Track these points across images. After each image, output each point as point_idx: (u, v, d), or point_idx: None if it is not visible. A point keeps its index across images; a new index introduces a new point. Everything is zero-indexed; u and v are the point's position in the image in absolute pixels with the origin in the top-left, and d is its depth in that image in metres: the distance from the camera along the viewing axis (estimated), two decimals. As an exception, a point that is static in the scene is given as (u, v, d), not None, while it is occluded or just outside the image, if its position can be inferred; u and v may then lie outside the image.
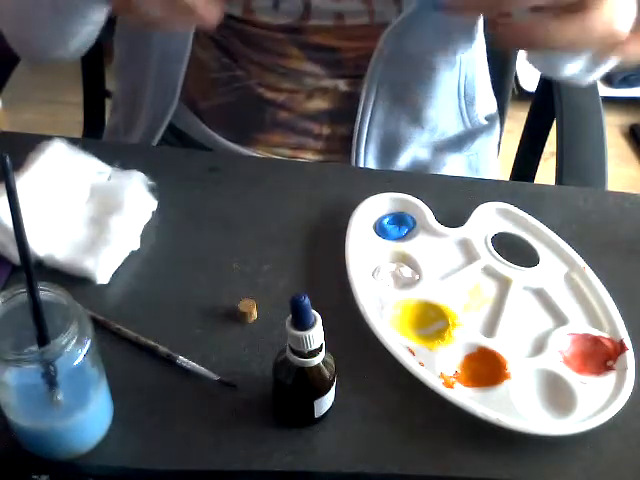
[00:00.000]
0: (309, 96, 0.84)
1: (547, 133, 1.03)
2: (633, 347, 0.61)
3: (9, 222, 0.45)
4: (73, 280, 0.64)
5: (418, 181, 0.77)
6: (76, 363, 0.49)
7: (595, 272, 0.67)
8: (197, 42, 0.82)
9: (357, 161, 0.86)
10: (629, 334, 0.62)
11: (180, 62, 0.82)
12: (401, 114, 0.84)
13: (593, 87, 0.93)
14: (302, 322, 0.50)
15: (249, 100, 0.85)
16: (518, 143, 1.10)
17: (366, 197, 0.72)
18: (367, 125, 0.84)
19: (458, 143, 0.90)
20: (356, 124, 0.84)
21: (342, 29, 0.79)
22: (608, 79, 2.05)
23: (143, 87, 0.86)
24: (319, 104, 0.85)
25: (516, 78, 1.90)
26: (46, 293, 0.49)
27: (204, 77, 0.86)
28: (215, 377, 0.58)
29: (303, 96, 0.84)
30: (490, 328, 0.62)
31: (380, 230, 0.70)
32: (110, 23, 0.74)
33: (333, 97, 0.84)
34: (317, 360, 0.52)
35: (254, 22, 0.80)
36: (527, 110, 1.08)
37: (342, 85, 0.84)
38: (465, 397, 0.57)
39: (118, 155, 0.72)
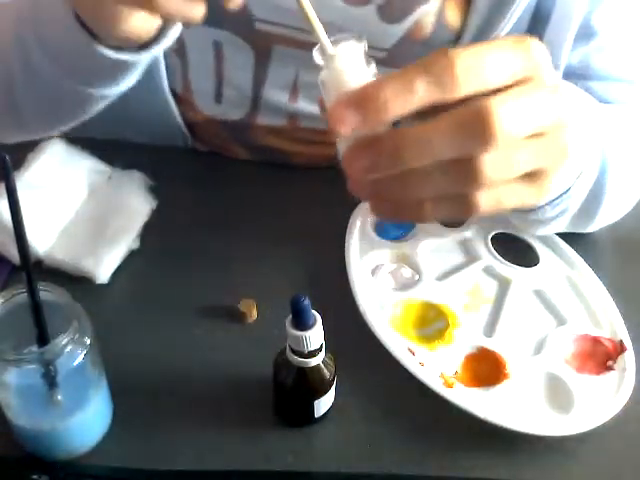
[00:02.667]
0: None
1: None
2: (633, 347, 0.61)
3: (9, 222, 0.45)
4: (73, 280, 0.64)
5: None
6: (76, 363, 0.49)
7: (595, 272, 0.67)
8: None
9: None
10: (629, 334, 0.62)
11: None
12: None
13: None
14: (302, 322, 0.50)
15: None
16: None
17: (366, 197, 0.72)
18: None
19: None
20: None
21: (295, 131, 0.76)
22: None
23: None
24: None
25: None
26: (46, 293, 0.49)
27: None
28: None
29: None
30: (490, 328, 0.62)
31: (380, 230, 0.70)
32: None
33: None
34: (317, 360, 0.52)
35: (193, 107, 0.76)
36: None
37: None
38: (465, 397, 0.57)
39: (118, 155, 0.72)
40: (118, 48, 0.53)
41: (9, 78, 0.60)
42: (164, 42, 0.54)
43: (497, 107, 0.36)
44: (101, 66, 0.55)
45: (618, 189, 0.63)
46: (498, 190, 0.40)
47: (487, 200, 0.40)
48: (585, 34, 0.67)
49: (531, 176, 0.40)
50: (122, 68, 0.56)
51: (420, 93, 0.36)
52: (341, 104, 0.37)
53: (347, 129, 0.37)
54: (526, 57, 0.38)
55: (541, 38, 0.67)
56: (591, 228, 0.68)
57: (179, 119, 0.76)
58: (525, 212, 0.60)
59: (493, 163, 0.38)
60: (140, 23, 0.49)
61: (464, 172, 0.38)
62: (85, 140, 0.74)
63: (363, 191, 0.41)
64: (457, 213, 0.41)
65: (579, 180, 0.55)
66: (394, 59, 0.67)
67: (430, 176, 0.38)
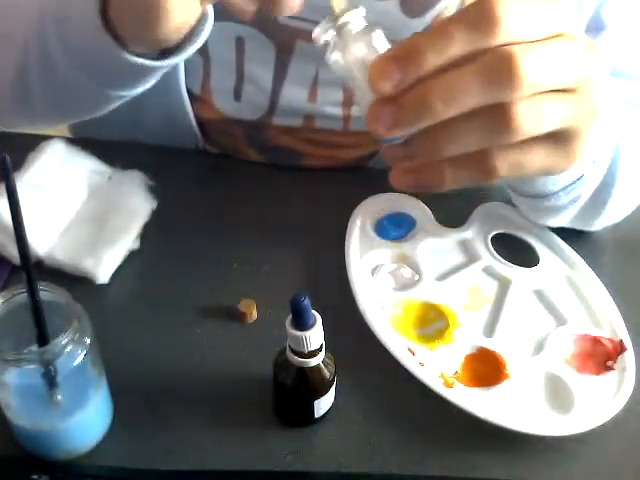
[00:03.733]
0: None
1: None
2: (633, 347, 0.61)
3: (9, 222, 0.45)
4: (73, 280, 0.63)
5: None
6: (76, 363, 0.49)
7: (595, 272, 0.67)
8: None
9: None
10: (629, 334, 0.62)
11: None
12: None
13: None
14: (302, 322, 0.50)
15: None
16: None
17: (366, 197, 0.72)
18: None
19: None
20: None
21: (309, 132, 0.76)
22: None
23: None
24: None
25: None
26: (46, 293, 0.49)
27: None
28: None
29: None
30: (490, 328, 0.62)
31: (380, 230, 0.70)
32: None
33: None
34: (317, 360, 0.52)
35: (210, 106, 0.76)
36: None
37: None
38: (465, 397, 0.57)
39: (118, 155, 0.72)
40: (140, 54, 0.52)
41: (25, 64, 0.59)
42: (190, 49, 0.53)
43: (522, 53, 0.36)
44: (123, 70, 0.54)
45: (627, 182, 0.63)
46: (524, 150, 0.39)
47: (512, 160, 0.39)
48: (594, 27, 0.67)
49: (560, 138, 0.40)
50: (145, 74, 0.55)
51: (459, 40, 0.36)
52: (382, 60, 0.37)
53: (388, 86, 0.37)
54: (561, 12, 0.38)
55: None
56: (596, 224, 0.69)
57: (193, 120, 0.76)
58: (538, 198, 0.60)
59: (522, 112, 0.37)
60: (180, 22, 0.48)
61: (492, 122, 0.37)
62: (85, 140, 0.74)
63: (387, 154, 0.41)
64: (478, 177, 0.40)
65: (593, 166, 0.55)
66: None
67: (456, 130, 0.38)
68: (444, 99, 0.37)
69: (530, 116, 0.37)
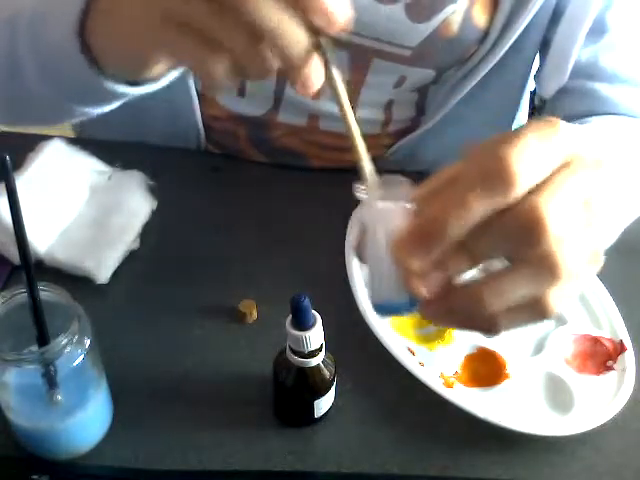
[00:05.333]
0: None
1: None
2: (633, 347, 0.61)
3: (9, 222, 0.45)
4: (73, 280, 0.63)
5: (417, 181, 0.77)
6: (76, 363, 0.49)
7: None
8: None
9: None
10: (629, 334, 0.62)
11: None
12: None
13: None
14: (302, 322, 0.50)
15: None
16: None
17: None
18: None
19: None
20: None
21: (313, 133, 0.76)
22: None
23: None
24: None
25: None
26: (46, 293, 0.49)
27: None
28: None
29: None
30: (490, 328, 0.62)
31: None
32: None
33: None
34: (317, 360, 0.52)
35: (215, 104, 0.75)
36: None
37: None
38: (465, 397, 0.57)
39: (118, 155, 0.72)
40: (115, 76, 0.51)
41: None
42: (162, 82, 0.53)
43: (545, 206, 0.35)
44: (95, 92, 0.53)
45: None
46: (570, 284, 0.39)
47: (561, 297, 0.38)
48: (597, 30, 0.67)
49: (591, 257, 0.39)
50: (119, 97, 0.54)
51: (478, 208, 0.35)
52: (404, 242, 0.37)
53: (416, 264, 0.37)
54: (565, 139, 0.37)
55: (555, 33, 0.68)
56: None
57: (199, 118, 0.76)
58: None
59: (561, 254, 0.36)
60: (163, 70, 0.48)
61: (538, 273, 0.37)
62: (85, 140, 0.74)
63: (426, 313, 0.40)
64: (533, 318, 0.39)
65: None
66: (419, 57, 0.68)
67: (502, 286, 0.37)
68: (494, 296, 0.37)
69: (571, 255, 0.37)
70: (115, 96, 0.54)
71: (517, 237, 0.36)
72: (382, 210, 0.40)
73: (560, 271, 0.37)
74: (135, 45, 0.46)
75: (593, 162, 0.38)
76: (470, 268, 0.38)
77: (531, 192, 0.35)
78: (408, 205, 0.39)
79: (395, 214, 0.39)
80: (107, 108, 0.58)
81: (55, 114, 0.61)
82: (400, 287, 0.38)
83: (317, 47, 0.39)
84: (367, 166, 0.40)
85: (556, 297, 0.38)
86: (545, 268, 0.37)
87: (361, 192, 0.41)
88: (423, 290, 0.38)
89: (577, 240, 0.37)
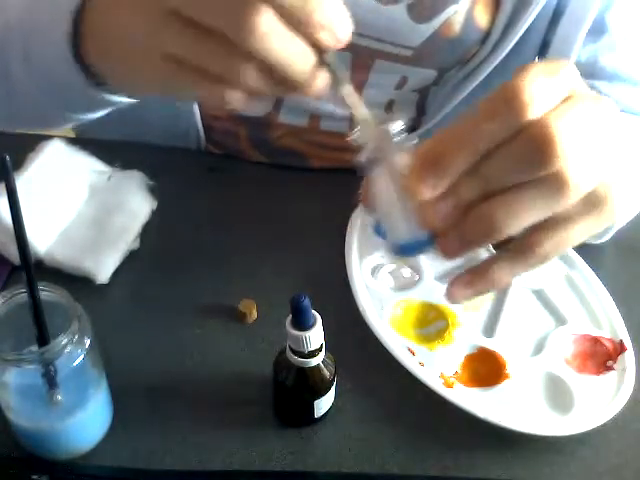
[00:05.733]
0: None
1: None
2: (633, 347, 0.61)
3: (9, 222, 0.45)
4: (73, 280, 0.63)
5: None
6: (76, 363, 0.49)
7: (595, 272, 0.67)
8: None
9: None
10: (629, 334, 0.62)
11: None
12: None
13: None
14: (302, 322, 0.50)
15: None
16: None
17: (366, 197, 0.72)
18: None
19: None
20: None
21: (313, 133, 0.76)
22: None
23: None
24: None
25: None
26: (46, 293, 0.49)
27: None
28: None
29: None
30: (490, 328, 0.62)
31: (380, 230, 0.70)
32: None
33: None
34: (317, 360, 0.52)
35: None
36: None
37: None
38: (465, 397, 0.57)
39: (118, 155, 0.72)
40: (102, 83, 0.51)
41: None
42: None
43: (556, 122, 0.36)
44: (86, 100, 0.53)
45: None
46: (567, 227, 0.40)
47: (559, 240, 0.40)
48: (597, 30, 0.67)
49: (595, 198, 0.40)
50: (113, 105, 0.54)
51: (488, 132, 0.36)
52: (415, 170, 0.37)
53: (429, 192, 0.37)
54: (569, 74, 0.38)
55: (555, 34, 0.68)
56: (600, 241, 0.69)
57: (198, 119, 0.76)
58: None
59: (572, 172, 0.37)
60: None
61: (548, 191, 0.38)
62: (85, 140, 0.74)
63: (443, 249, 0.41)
64: (533, 264, 0.41)
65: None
66: (421, 57, 0.68)
67: (512, 205, 0.38)
68: (505, 217, 0.38)
69: (580, 172, 0.37)
70: (110, 104, 0.54)
71: (530, 155, 0.36)
72: (387, 147, 0.39)
73: (569, 189, 0.37)
74: (136, 80, 0.46)
75: (594, 97, 0.39)
76: (481, 194, 0.38)
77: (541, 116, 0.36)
78: (413, 141, 0.39)
79: (401, 149, 0.39)
80: (99, 114, 0.57)
81: (47, 119, 0.61)
82: (416, 223, 0.39)
83: (323, 63, 0.40)
84: (362, 111, 0.40)
85: (549, 237, 0.39)
86: (556, 185, 0.37)
87: (359, 137, 0.40)
88: (437, 220, 0.38)
89: (588, 159, 0.38)
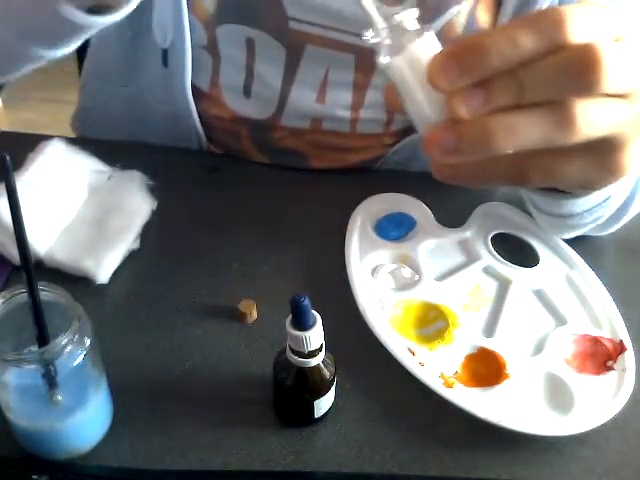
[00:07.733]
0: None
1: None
2: (633, 347, 0.61)
3: (9, 222, 0.45)
4: (73, 280, 0.63)
5: (418, 181, 0.77)
6: (76, 363, 0.49)
7: (595, 272, 0.67)
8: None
9: None
10: (629, 334, 0.62)
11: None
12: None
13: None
14: (302, 322, 0.50)
15: None
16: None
17: (366, 197, 0.72)
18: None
19: None
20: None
21: (315, 134, 0.76)
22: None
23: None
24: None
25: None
26: (46, 293, 0.49)
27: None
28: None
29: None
30: (490, 328, 0.62)
31: (380, 230, 0.70)
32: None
33: None
34: (317, 360, 0.52)
35: (219, 103, 0.76)
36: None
37: None
38: (465, 397, 0.57)
39: (118, 155, 0.72)
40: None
41: None
42: (123, 11, 0.52)
43: (605, 48, 0.35)
44: (52, 23, 0.52)
45: None
46: (564, 159, 0.39)
47: (548, 167, 0.39)
48: None
49: (607, 147, 0.39)
50: (76, 31, 0.53)
51: (523, 43, 0.35)
52: (444, 56, 0.36)
53: (447, 83, 0.36)
54: (618, 17, 0.38)
55: None
56: (604, 233, 0.69)
57: (196, 119, 0.76)
58: (562, 217, 0.60)
59: (582, 112, 0.36)
60: None
61: (553, 120, 0.36)
62: (85, 140, 0.74)
63: (432, 144, 0.38)
64: (512, 180, 0.40)
65: (620, 187, 0.55)
66: None
67: (514, 125, 0.37)
68: (505, 135, 0.36)
69: (590, 117, 0.37)
70: (72, 28, 0.52)
71: (575, 69, 0.35)
72: (404, 37, 0.38)
73: (575, 124, 0.36)
74: None
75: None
76: (514, 102, 0.36)
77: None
78: (430, 29, 0.38)
79: (419, 35, 0.38)
80: (61, 49, 0.56)
81: (8, 55, 0.59)
82: (439, 109, 0.37)
83: None
84: (374, 10, 0.38)
85: (539, 162, 0.38)
86: (562, 114, 0.36)
87: (374, 36, 0.38)
88: (463, 109, 0.36)
89: (607, 101, 0.37)
